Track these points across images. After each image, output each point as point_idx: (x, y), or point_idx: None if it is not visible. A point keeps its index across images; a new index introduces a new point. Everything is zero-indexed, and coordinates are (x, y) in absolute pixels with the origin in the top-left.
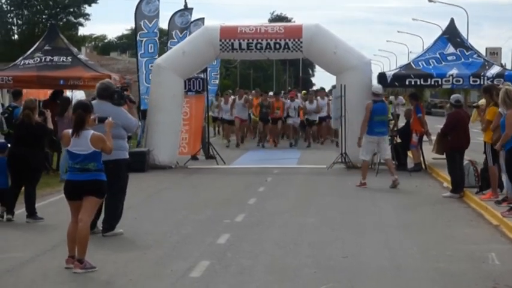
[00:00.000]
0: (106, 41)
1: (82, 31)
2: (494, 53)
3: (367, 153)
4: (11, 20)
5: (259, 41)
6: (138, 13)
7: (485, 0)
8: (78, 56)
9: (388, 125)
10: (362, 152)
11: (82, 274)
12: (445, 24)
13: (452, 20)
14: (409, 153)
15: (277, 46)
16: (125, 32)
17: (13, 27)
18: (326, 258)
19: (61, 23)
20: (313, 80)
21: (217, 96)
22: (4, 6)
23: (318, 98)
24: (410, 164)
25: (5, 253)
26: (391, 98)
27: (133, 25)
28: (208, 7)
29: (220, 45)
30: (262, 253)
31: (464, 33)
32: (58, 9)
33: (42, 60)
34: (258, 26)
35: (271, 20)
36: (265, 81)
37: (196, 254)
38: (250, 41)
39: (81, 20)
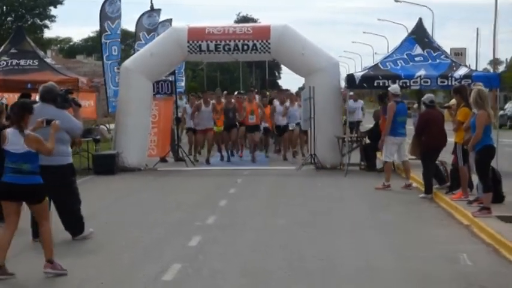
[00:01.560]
0: (71, 43)
1: (47, 34)
2: (459, 53)
3: (391, 154)
4: None
5: (228, 42)
6: (103, 14)
7: (450, 0)
8: (45, 60)
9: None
10: (385, 154)
11: (51, 280)
12: (410, 24)
13: (420, 20)
14: (378, 154)
15: (245, 47)
16: (91, 35)
17: None
18: (299, 259)
19: (26, 25)
20: (280, 82)
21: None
22: None
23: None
24: (378, 164)
25: None
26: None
27: (97, 27)
28: (175, 8)
29: (188, 46)
30: (234, 255)
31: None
32: (23, 11)
33: (9, 63)
34: (226, 27)
35: (238, 21)
36: (231, 84)
37: (168, 257)
38: (218, 42)
39: (47, 22)
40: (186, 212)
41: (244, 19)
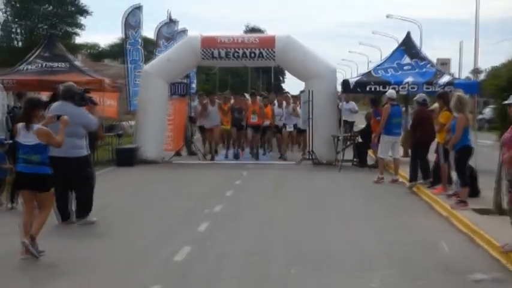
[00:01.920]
0: (99, 49)
1: (77, 40)
2: (445, 63)
3: (385, 151)
4: (13, 29)
5: (237, 50)
6: (126, 24)
7: (437, 16)
8: (74, 63)
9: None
10: (380, 151)
11: (68, 262)
12: (401, 36)
13: (408, 33)
14: (369, 152)
15: (253, 55)
16: (116, 41)
17: (16, 36)
18: (295, 244)
19: (59, 33)
20: (284, 85)
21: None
22: (8, 17)
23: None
24: (369, 161)
25: None
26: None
27: (122, 35)
28: (190, 18)
29: (202, 53)
30: (238, 240)
31: (418, 45)
32: (56, 20)
33: (42, 66)
34: (236, 37)
35: (247, 32)
36: (241, 86)
37: (179, 241)
38: (229, 50)
39: (77, 30)
40: (196, 201)
41: (253, 30)
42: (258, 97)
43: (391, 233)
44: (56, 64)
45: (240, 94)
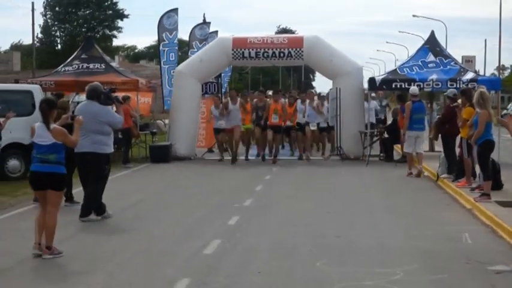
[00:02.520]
0: (136, 50)
1: (116, 42)
2: (469, 60)
3: (409, 146)
4: (54, 32)
5: (266, 50)
6: (161, 26)
7: (462, 15)
8: (111, 64)
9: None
10: (406, 146)
11: (101, 256)
12: (426, 35)
13: (432, 32)
14: (395, 147)
15: (282, 55)
16: (152, 43)
17: (56, 39)
18: (321, 237)
19: (98, 35)
20: (314, 83)
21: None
22: (49, 21)
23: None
24: (396, 156)
25: None
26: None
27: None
28: (222, 21)
29: (233, 54)
30: (266, 233)
31: (443, 43)
32: (95, 23)
33: (80, 67)
34: (265, 37)
35: (278, 33)
36: (272, 85)
37: (210, 234)
38: (258, 50)
39: (115, 32)
40: (226, 195)
41: (284, 31)
42: (282, 97)
43: (415, 226)
44: (93, 65)
45: (261, 91)
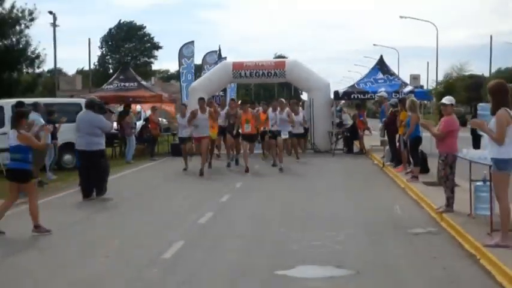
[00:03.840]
0: (169, 73)
1: (154, 67)
2: (416, 78)
3: None
4: (107, 60)
5: (257, 71)
6: (180, 54)
7: (411, 44)
8: (141, 82)
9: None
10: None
11: (118, 225)
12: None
13: (381, 56)
14: (355, 142)
15: (269, 74)
16: None
17: (109, 65)
18: (290, 211)
19: (139, 62)
20: (302, 96)
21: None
22: (104, 51)
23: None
24: (355, 149)
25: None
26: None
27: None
28: (233, 49)
29: (233, 74)
30: (248, 207)
31: (396, 65)
32: (137, 53)
33: (118, 85)
34: (257, 61)
35: (275, 58)
36: (270, 98)
37: (205, 209)
38: (252, 71)
39: (152, 60)
40: (222, 181)
41: (280, 56)
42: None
43: (360, 201)
44: (128, 84)
45: (232, 100)
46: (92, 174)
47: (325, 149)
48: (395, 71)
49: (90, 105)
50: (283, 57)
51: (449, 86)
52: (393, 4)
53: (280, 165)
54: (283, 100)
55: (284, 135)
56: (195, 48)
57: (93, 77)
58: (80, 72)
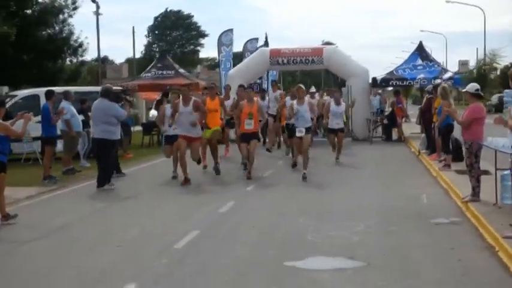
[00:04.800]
0: (215, 61)
1: (201, 55)
2: (464, 64)
3: None
4: (154, 49)
5: (295, 58)
6: (219, 42)
7: (459, 29)
8: (179, 70)
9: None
10: None
11: (137, 213)
12: (431, 45)
13: (420, 42)
14: (393, 130)
15: (307, 61)
16: None
17: (156, 54)
18: (312, 200)
19: (186, 50)
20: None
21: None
22: (150, 40)
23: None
24: (394, 136)
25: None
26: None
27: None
28: (278, 37)
29: (270, 61)
30: (270, 197)
31: (443, 52)
32: (184, 42)
33: (155, 73)
34: (294, 48)
35: (323, 44)
36: (316, 85)
37: (227, 198)
38: (289, 58)
39: (198, 48)
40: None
41: (327, 43)
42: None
43: (388, 189)
44: (165, 72)
45: (241, 86)
46: (100, 160)
47: (363, 137)
48: (443, 57)
49: (106, 93)
50: (331, 43)
51: (481, 74)
52: None
53: (304, 173)
54: (302, 87)
55: (300, 133)
56: (239, 36)
57: (139, 65)
58: (128, 60)
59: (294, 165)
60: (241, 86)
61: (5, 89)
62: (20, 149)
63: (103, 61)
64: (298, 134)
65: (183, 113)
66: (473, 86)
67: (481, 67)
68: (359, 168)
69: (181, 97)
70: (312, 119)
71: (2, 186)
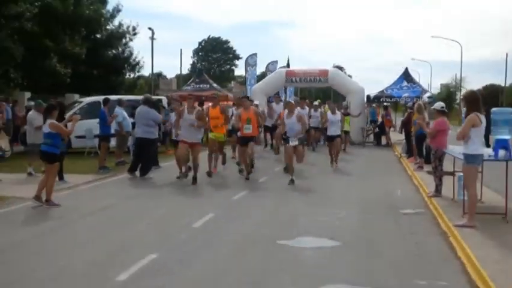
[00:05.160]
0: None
1: (236, 73)
2: (446, 86)
3: None
4: (199, 67)
5: (306, 77)
6: (246, 63)
7: (443, 58)
8: (212, 85)
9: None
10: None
11: (163, 199)
12: (416, 74)
13: (406, 68)
14: (382, 137)
15: (315, 80)
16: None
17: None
18: (306, 191)
19: (223, 69)
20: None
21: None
22: (195, 60)
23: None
24: (383, 142)
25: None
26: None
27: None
28: (299, 59)
29: (286, 79)
30: (281, 187)
31: (428, 76)
32: (222, 62)
33: (194, 87)
34: (305, 70)
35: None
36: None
37: (241, 187)
38: (301, 77)
39: (233, 67)
40: (259, 172)
41: (337, 67)
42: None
43: (371, 185)
44: (202, 85)
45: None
46: (141, 157)
47: (358, 142)
48: (429, 80)
49: (146, 101)
50: (340, 67)
51: (449, 94)
52: (426, 25)
53: (291, 178)
54: (291, 101)
55: (293, 142)
56: (263, 59)
57: (185, 80)
58: (177, 76)
59: (286, 169)
60: (244, 97)
61: (76, 96)
62: (83, 144)
63: (158, 76)
64: (291, 143)
65: (186, 120)
66: (439, 104)
67: (449, 89)
68: (351, 166)
69: (186, 105)
70: (307, 129)
71: (54, 173)
